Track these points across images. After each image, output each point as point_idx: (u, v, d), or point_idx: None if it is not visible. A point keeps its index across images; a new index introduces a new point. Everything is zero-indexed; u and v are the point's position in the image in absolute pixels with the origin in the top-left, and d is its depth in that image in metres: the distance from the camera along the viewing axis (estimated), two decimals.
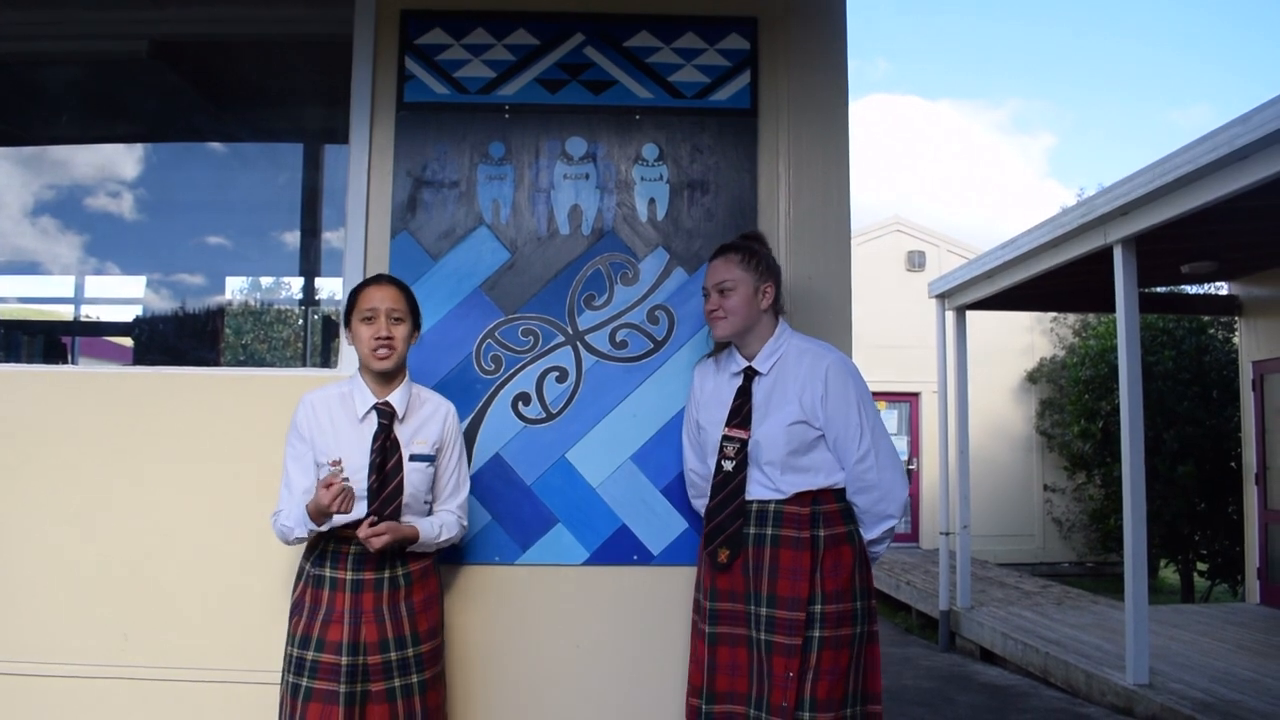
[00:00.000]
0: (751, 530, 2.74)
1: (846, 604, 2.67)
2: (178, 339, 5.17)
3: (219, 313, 5.20)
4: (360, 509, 2.62)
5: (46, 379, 3.37)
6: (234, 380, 3.37)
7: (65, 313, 5.48)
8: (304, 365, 5.05)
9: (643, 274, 3.25)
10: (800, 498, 2.72)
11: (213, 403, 3.25)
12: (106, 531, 3.17)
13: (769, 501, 2.74)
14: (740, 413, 2.81)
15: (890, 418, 15.05)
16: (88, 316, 5.53)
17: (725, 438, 2.81)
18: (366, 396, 2.73)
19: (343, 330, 2.79)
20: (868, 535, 2.79)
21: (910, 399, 15.11)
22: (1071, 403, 13.53)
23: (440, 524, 2.76)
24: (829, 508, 2.73)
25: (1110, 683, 6.74)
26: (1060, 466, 14.28)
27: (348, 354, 3.07)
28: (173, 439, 3.21)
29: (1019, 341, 14.94)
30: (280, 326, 5.52)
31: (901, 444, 15.23)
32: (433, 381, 3.13)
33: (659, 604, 3.16)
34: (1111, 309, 7.15)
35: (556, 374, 3.21)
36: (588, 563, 3.17)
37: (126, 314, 5.42)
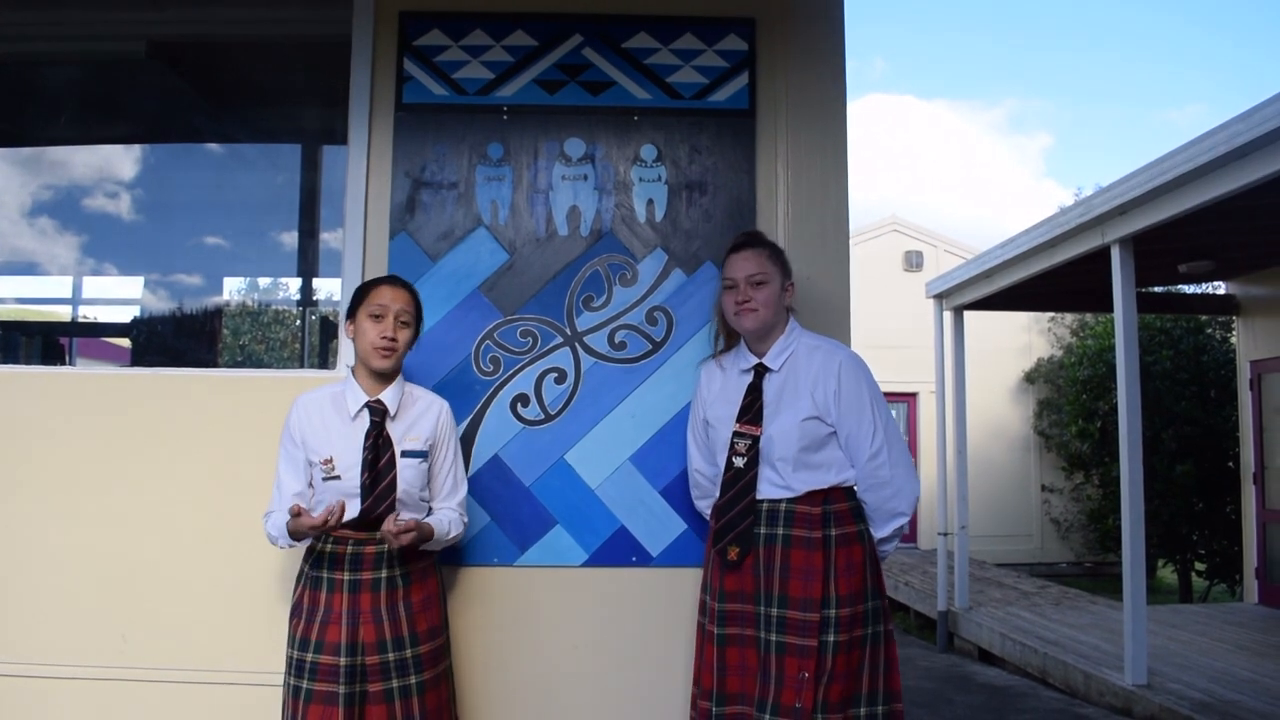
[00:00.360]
0: (762, 530, 2.72)
1: (859, 606, 2.66)
2: (176, 340, 5.16)
3: (217, 314, 5.20)
4: (354, 507, 2.63)
5: (44, 380, 3.37)
6: (232, 381, 3.37)
7: (63, 313, 5.47)
8: (302, 366, 5.05)
9: (641, 275, 3.25)
10: (811, 496, 2.70)
11: (210, 404, 3.25)
12: (104, 532, 3.17)
13: (780, 500, 2.72)
14: (751, 409, 2.79)
15: None
16: (86, 317, 5.52)
17: (736, 434, 2.79)
18: (359, 395, 2.74)
19: (343, 323, 2.79)
20: (878, 533, 2.77)
21: (908, 399, 15.12)
22: (1069, 403, 13.54)
23: (448, 521, 2.77)
24: (840, 506, 2.72)
25: (1109, 683, 6.75)
26: (1058, 466, 14.30)
27: (346, 355, 3.07)
28: (171, 440, 3.21)
29: (1017, 341, 14.96)
30: (278, 327, 5.52)
31: None
32: (431, 382, 3.13)
33: (658, 605, 3.16)
34: (1109, 309, 7.15)
35: (555, 375, 3.21)
36: (586, 564, 3.17)
37: (124, 315, 5.42)
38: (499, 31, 3.33)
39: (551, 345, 3.22)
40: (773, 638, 2.64)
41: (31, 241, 5.08)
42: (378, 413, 2.72)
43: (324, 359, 4.80)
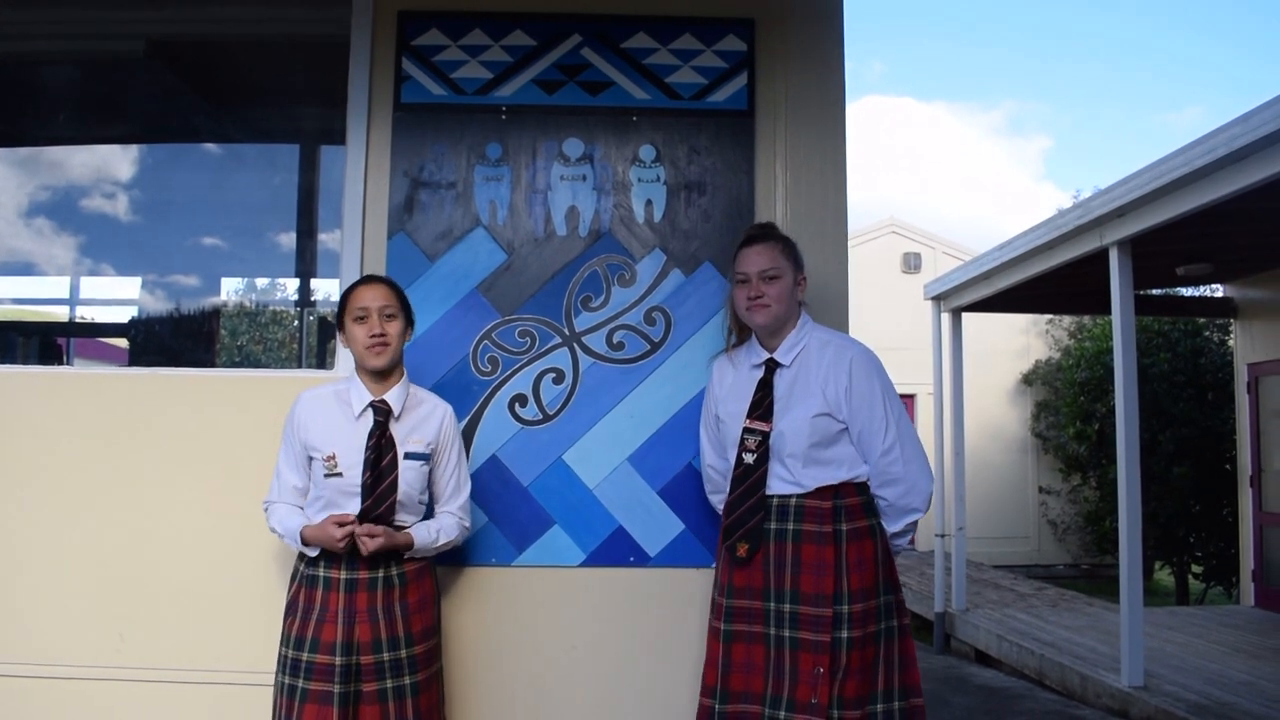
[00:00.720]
0: (772, 525, 2.71)
1: (871, 601, 2.65)
2: (173, 340, 5.16)
3: (214, 314, 5.20)
4: (354, 506, 2.64)
5: (42, 380, 3.36)
6: (229, 382, 3.37)
7: (61, 314, 5.46)
8: (299, 366, 5.05)
9: (640, 275, 3.25)
10: (821, 492, 2.69)
11: (208, 404, 3.24)
12: (102, 532, 3.17)
13: (790, 496, 2.71)
14: (762, 405, 2.78)
15: None
16: (83, 318, 5.52)
17: (747, 430, 2.77)
18: (363, 394, 2.74)
19: (338, 334, 2.80)
20: (891, 528, 2.76)
21: (906, 401, 15.02)
22: (1067, 405, 13.54)
23: (439, 528, 2.76)
24: (850, 501, 2.70)
25: (1105, 685, 6.74)
26: (1055, 469, 14.29)
27: (344, 355, 3.06)
28: (168, 440, 3.21)
29: (1014, 343, 14.95)
30: (276, 328, 5.52)
31: None
32: (430, 382, 3.13)
33: (655, 605, 3.15)
34: (1107, 311, 7.15)
35: (553, 375, 3.21)
36: (584, 564, 3.16)
37: (122, 315, 5.41)
38: (498, 31, 3.33)
39: (550, 345, 3.22)
40: (786, 634, 2.63)
41: (29, 242, 5.07)
42: (381, 413, 2.72)
43: (321, 359, 4.80)
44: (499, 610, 3.16)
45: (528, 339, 3.22)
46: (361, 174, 3.29)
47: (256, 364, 5.43)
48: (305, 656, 2.58)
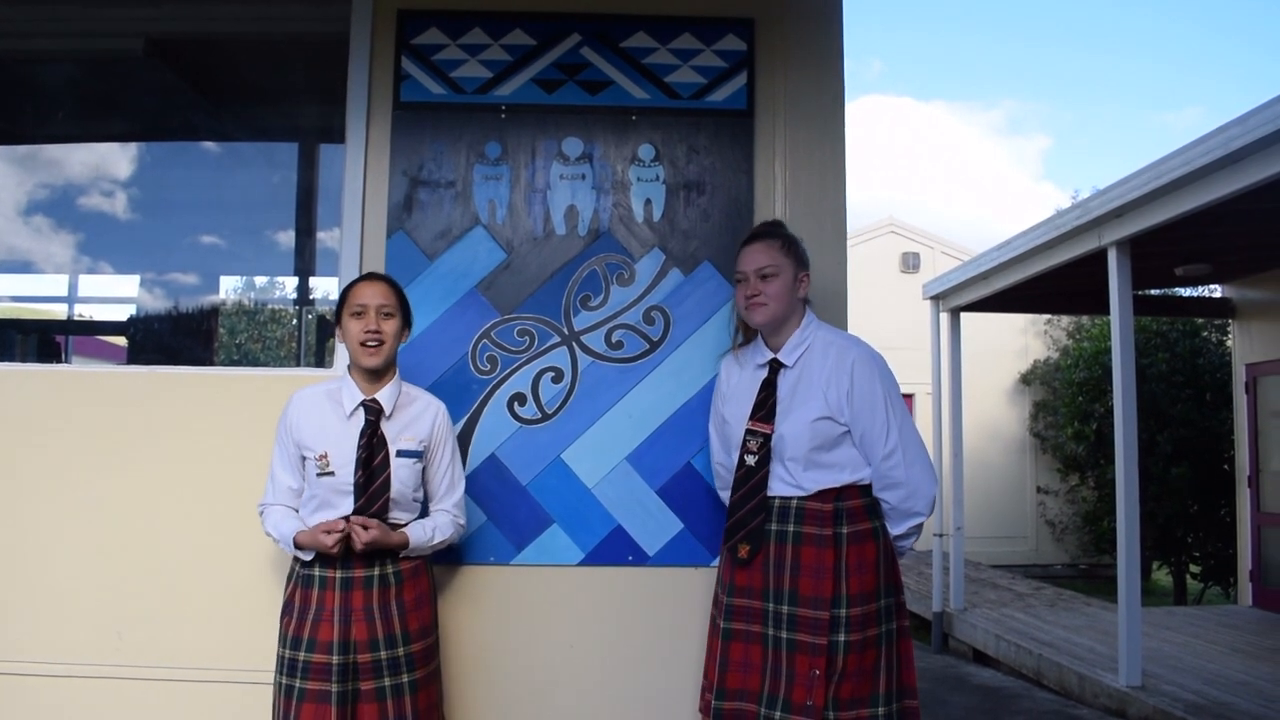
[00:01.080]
0: (773, 527, 2.70)
1: (871, 604, 2.63)
2: (172, 338, 5.16)
3: (213, 312, 5.20)
4: (348, 504, 2.64)
5: (40, 377, 3.36)
6: (228, 380, 3.37)
7: (59, 312, 5.46)
8: (298, 365, 5.05)
9: (639, 275, 3.25)
10: (823, 494, 2.67)
11: (206, 402, 3.24)
12: (100, 530, 3.16)
13: (790, 498, 2.69)
14: (764, 406, 2.76)
15: None
16: (82, 316, 5.52)
17: (749, 432, 2.76)
18: (355, 393, 2.74)
19: (336, 329, 2.81)
20: (894, 531, 2.73)
21: (904, 401, 15.10)
22: (1065, 405, 13.55)
23: (433, 527, 2.77)
24: (852, 504, 2.68)
25: (1103, 685, 6.75)
26: (1053, 468, 14.30)
27: (342, 354, 3.07)
28: (166, 438, 3.21)
29: (1013, 343, 14.96)
30: (274, 326, 5.51)
31: None
32: (428, 381, 3.14)
33: (654, 605, 3.16)
34: (1105, 311, 7.16)
35: (552, 374, 3.21)
36: (583, 563, 3.16)
37: (120, 313, 5.41)
38: (497, 30, 3.32)
39: (549, 344, 3.22)
40: (784, 635, 2.62)
41: (27, 239, 5.07)
42: (373, 411, 2.72)
43: (320, 358, 4.80)
44: (497, 609, 3.16)
45: (527, 338, 3.22)
46: (361, 172, 3.29)
47: (255, 362, 5.42)
48: (302, 656, 2.58)
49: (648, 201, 3.28)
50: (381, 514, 2.65)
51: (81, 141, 5.11)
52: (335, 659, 2.56)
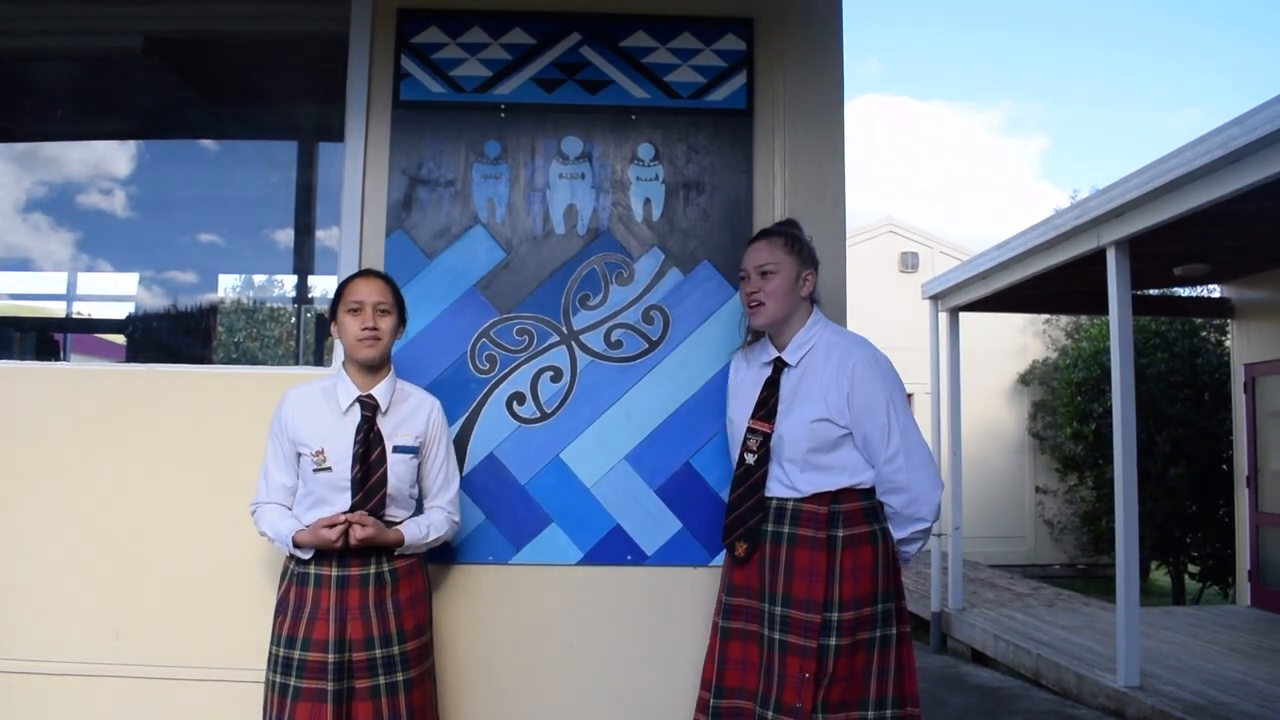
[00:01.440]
0: (770, 527, 2.69)
1: (865, 609, 2.59)
2: (170, 336, 5.15)
3: (212, 310, 5.19)
4: (344, 500, 2.64)
5: (39, 375, 3.36)
6: (226, 378, 3.37)
7: (58, 310, 5.45)
8: (296, 363, 5.04)
9: (638, 274, 3.25)
10: (819, 497, 2.65)
11: (205, 400, 3.24)
12: (98, 528, 3.16)
13: (787, 499, 2.68)
14: (766, 405, 2.75)
15: None
16: (80, 314, 5.51)
17: (749, 431, 2.75)
18: (350, 389, 2.75)
19: (331, 325, 2.80)
20: (898, 535, 2.70)
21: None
22: (1064, 405, 13.54)
23: (428, 524, 2.77)
24: (850, 506, 2.65)
25: (1101, 685, 6.75)
26: (1052, 468, 14.30)
27: (340, 352, 3.07)
28: (165, 436, 3.20)
29: (1012, 343, 14.96)
30: (273, 325, 5.50)
31: None
32: (427, 380, 3.14)
33: (652, 604, 3.15)
34: (1104, 311, 7.16)
35: (551, 373, 3.21)
36: (581, 563, 3.16)
37: (119, 311, 5.40)
38: (497, 29, 3.32)
39: (548, 344, 3.22)
40: (776, 636, 2.61)
41: (26, 237, 5.07)
42: (369, 407, 2.73)
43: (319, 356, 4.79)
44: (496, 608, 3.16)
45: (526, 337, 3.22)
46: (360, 171, 3.29)
47: (253, 360, 5.42)
48: (297, 655, 2.57)
49: (647, 201, 3.28)
50: (378, 510, 2.66)
51: (80, 139, 5.11)
52: (331, 657, 2.56)
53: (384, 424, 2.74)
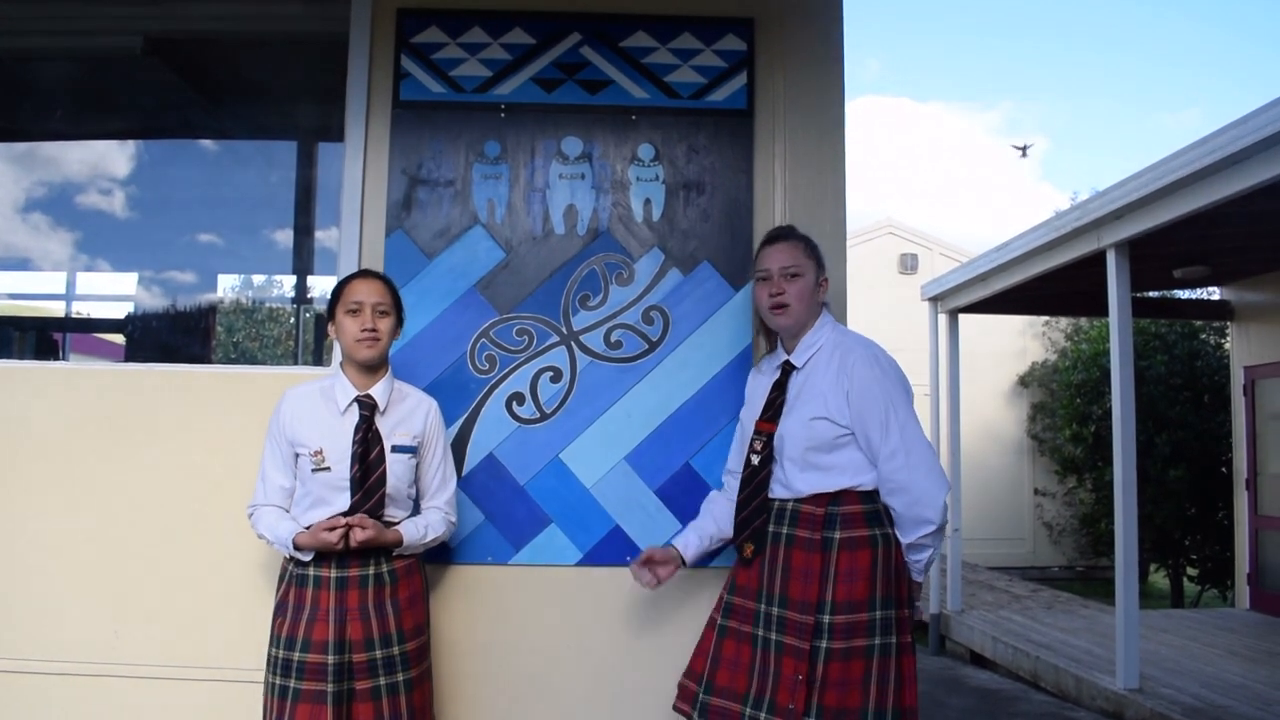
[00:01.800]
0: (771, 528, 2.69)
1: (860, 614, 2.55)
2: (169, 336, 5.16)
3: (211, 310, 5.19)
4: (344, 500, 2.64)
5: (38, 374, 3.35)
6: (225, 378, 3.37)
7: (57, 309, 5.45)
8: (295, 363, 5.04)
9: (638, 274, 3.24)
10: (817, 498, 2.63)
11: (204, 400, 3.24)
12: (97, 528, 3.16)
13: (787, 500, 2.67)
14: (773, 406, 2.75)
15: None
16: (79, 313, 5.51)
17: (756, 432, 2.76)
18: (348, 389, 2.75)
19: (328, 324, 2.80)
20: (905, 539, 2.63)
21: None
22: (1063, 407, 13.53)
23: (426, 524, 2.77)
24: (850, 509, 2.62)
25: (1100, 687, 6.75)
26: (1051, 470, 14.28)
27: (339, 352, 3.06)
28: (164, 436, 3.20)
29: (1011, 345, 14.95)
30: (272, 325, 5.51)
31: None
32: (427, 380, 3.13)
33: (652, 604, 3.15)
34: (1104, 313, 7.15)
35: (551, 374, 3.20)
36: (581, 563, 3.16)
37: (118, 311, 5.40)
38: (497, 29, 3.32)
39: (547, 344, 3.21)
40: (773, 636, 2.60)
41: (25, 237, 5.07)
42: (367, 407, 2.73)
43: (318, 356, 4.79)
44: (495, 609, 3.15)
45: (525, 337, 3.21)
46: (360, 171, 3.29)
47: (253, 361, 5.42)
48: (297, 656, 2.57)
49: (647, 201, 3.27)
50: (377, 509, 2.66)
51: (80, 139, 5.11)
52: (331, 659, 2.55)
53: (382, 424, 2.74)
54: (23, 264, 5.14)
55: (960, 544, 9.66)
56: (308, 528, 2.63)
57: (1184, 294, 11.46)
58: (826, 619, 2.55)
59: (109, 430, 3.22)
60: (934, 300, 10.16)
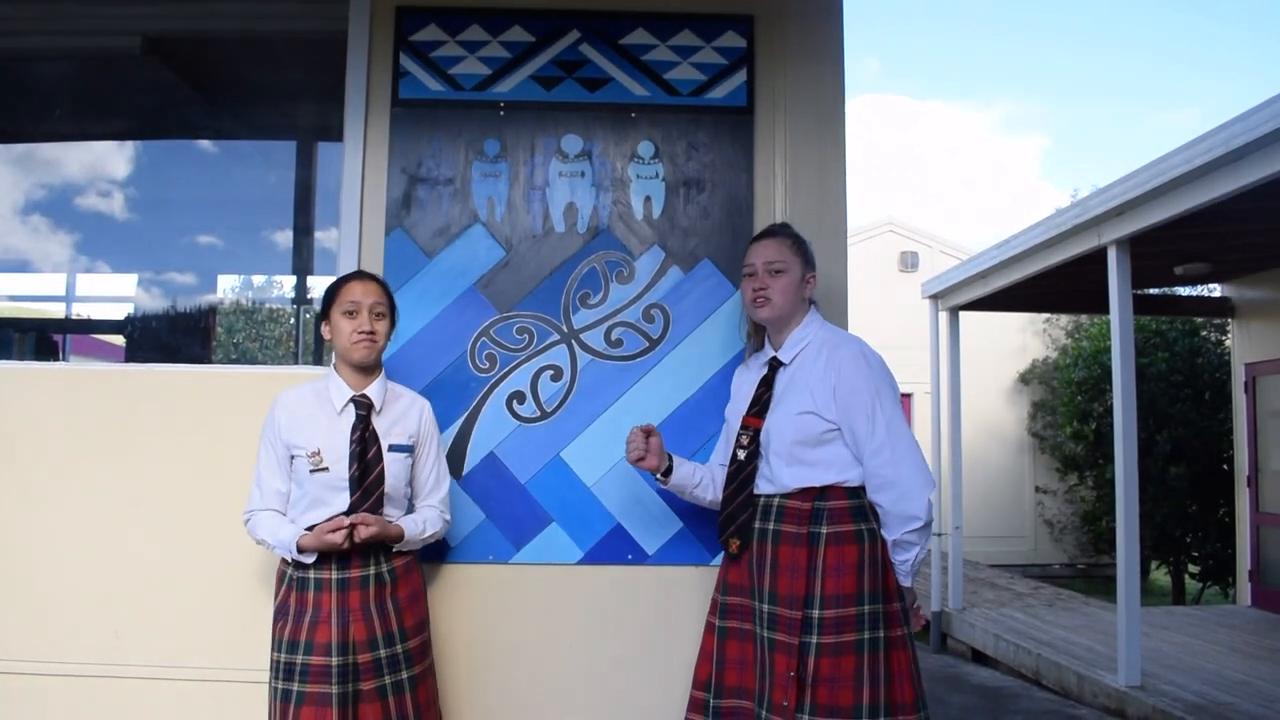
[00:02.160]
0: (758, 525, 2.69)
1: (849, 609, 2.54)
2: (170, 337, 5.15)
3: (211, 311, 5.19)
4: (343, 501, 2.63)
5: (38, 375, 3.35)
6: (225, 378, 3.36)
7: (57, 311, 5.45)
8: (295, 363, 5.03)
9: (638, 272, 3.24)
10: (803, 494, 2.63)
11: (204, 401, 3.23)
12: (97, 528, 3.15)
13: (774, 495, 2.67)
14: (759, 402, 2.75)
15: None
16: (79, 315, 5.51)
17: (742, 427, 2.76)
18: (344, 389, 2.75)
19: (321, 324, 2.79)
20: (890, 536, 2.61)
21: (902, 400, 15.08)
22: (1064, 404, 13.55)
23: (424, 520, 2.78)
24: (836, 505, 2.62)
25: (1102, 684, 6.75)
26: (1052, 468, 14.31)
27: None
28: (164, 436, 3.19)
29: (1012, 342, 14.97)
30: (272, 325, 5.51)
31: None
32: (427, 379, 3.13)
33: (653, 604, 3.15)
34: (1105, 310, 7.16)
35: (551, 372, 3.20)
36: (582, 562, 3.15)
37: (118, 312, 5.40)
38: (496, 27, 3.31)
39: (548, 342, 3.21)
40: (764, 633, 2.60)
41: (25, 239, 5.07)
42: (364, 406, 2.73)
43: (318, 356, 4.78)
44: (496, 608, 3.15)
45: (526, 336, 3.21)
46: (359, 170, 3.28)
47: (253, 361, 5.43)
48: (300, 659, 2.56)
49: (647, 199, 3.27)
50: (376, 509, 2.66)
51: (79, 140, 5.11)
52: (335, 660, 2.54)
53: (378, 423, 2.74)
54: (22, 265, 5.14)
55: (961, 541, 9.67)
56: (310, 529, 2.62)
57: (1185, 291, 11.47)
58: (815, 614, 2.54)
59: (109, 431, 3.21)
60: (935, 298, 10.16)
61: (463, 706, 3.10)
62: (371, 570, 2.66)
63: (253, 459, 2.88)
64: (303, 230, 4.79)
